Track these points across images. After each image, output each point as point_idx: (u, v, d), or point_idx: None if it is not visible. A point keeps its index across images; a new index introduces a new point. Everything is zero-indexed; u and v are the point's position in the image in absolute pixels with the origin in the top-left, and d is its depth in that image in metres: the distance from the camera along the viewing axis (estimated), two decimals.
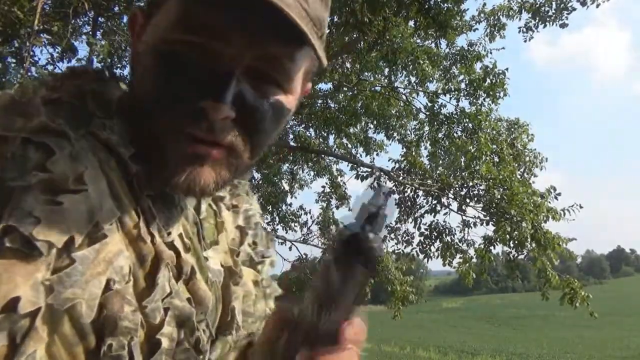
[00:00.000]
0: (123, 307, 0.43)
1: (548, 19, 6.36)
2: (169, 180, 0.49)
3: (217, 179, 0.51)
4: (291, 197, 8.77)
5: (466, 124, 6.72)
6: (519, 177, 6.78)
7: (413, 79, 7.21)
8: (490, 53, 6.91)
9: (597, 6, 6.03)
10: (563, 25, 6.28)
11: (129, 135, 0.51)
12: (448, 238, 6.96)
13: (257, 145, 0.53)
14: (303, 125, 8.04)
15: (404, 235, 7.40)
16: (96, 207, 0.43)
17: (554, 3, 6.30)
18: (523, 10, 6.59)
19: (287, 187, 8.67)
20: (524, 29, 6.62)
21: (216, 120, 0.48)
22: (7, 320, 0.37)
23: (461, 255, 6.82)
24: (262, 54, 0.49)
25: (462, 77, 7.01)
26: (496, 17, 6.94)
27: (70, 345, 0.40)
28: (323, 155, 8.14)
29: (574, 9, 6.20)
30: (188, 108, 0.48)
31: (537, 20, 6.49)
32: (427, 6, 5.17)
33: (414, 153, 7.37)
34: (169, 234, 0.52)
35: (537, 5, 6.43)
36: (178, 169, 0.49)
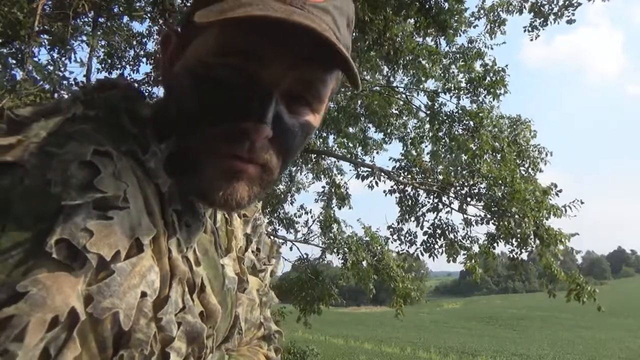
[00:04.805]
0: (139, 319, 0.44)
1: (553, 16, 6.30)
2: (207, 194, 0.51)
3: (250, 194, 0.53)
4: (290, 201, 8.72)
5: (467, 122, 6.70)
6: (523, 173, 6.73)
7: (413, 79, 7.18)
8: (492, 49, 6.89)
9: (604, 0, 5.98)
10: (570, 21, 6.20)
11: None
12: (451, 235, 6.95)
13: (286, 162, 0.57)
14: None
15: (407, 235, 7.37)
16: (136, 223, 0.45)
17: (555, 0, 6.25)
18: (524, 10, 6.56)
19: (284, 189, 8.64)
20: (529, 28, 6.59)
21: (257, 140, 0.50)
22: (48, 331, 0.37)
23: (465, 252, 6.81)
24: (300, 78, 0.51)
25: (462, 75, 6.99)
26: (496, 13, 6.92)
27: (92, 356, 0.41)
28: (323, 156, 8.12)
29: (580, 4, 6.11)
30: (229, 128, 0.50)
31: (541, 20, 6.44)
32: (427, 6, 5.15)
33: (415, 151, 7.35)
34: (188, 248, 0.53)
35: (539, 4, 6.39)
36: (216, 183, 0.51)
